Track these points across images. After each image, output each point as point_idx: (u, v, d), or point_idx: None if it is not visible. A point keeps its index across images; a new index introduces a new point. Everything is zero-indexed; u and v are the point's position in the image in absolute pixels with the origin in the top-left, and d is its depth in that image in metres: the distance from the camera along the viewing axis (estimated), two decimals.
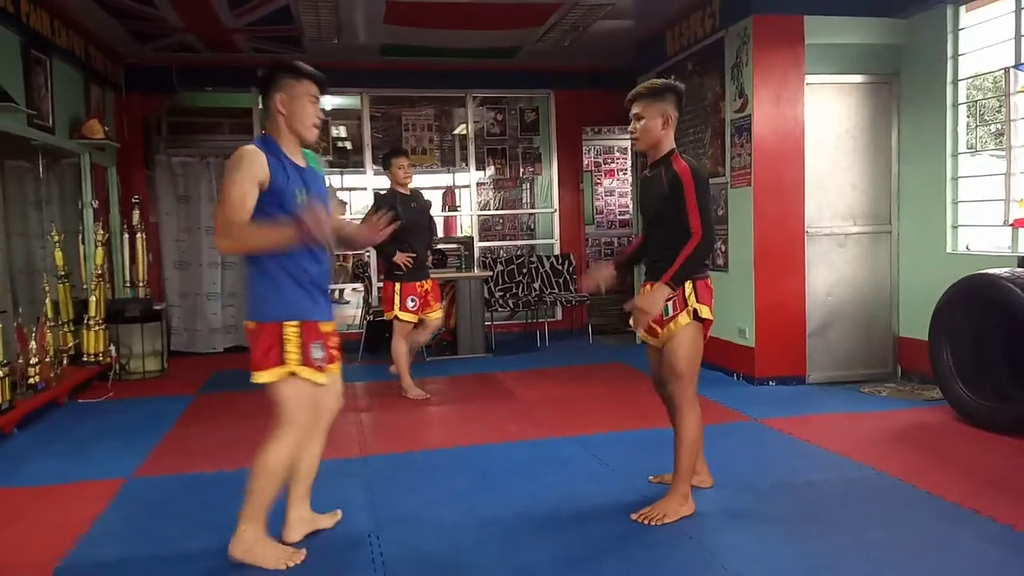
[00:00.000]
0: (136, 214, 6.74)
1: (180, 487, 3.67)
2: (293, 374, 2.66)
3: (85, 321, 5.96)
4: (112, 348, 6.13)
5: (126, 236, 6.80)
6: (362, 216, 5.81)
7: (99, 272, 6.13)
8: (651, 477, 3.52)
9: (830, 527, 3.00)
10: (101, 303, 6.07)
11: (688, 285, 3.04)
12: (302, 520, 2.95)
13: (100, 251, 6.20)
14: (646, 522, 3.00)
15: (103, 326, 6.07)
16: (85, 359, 5.95)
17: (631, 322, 3.35)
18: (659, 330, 3.11)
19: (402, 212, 5.02)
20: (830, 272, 5.62)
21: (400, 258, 5.25)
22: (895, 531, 2.94)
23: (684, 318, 3.04)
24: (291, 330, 2.66)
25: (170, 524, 3.18)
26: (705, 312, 3.06)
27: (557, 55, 7.58)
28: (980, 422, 4.26)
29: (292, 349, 2.65)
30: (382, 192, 5.67)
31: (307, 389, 2.71)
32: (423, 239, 5.51)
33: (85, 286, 6.11)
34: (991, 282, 4.21)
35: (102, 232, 6.30)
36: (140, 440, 4.41)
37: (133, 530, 3.15)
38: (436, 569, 2.75)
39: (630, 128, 3.17)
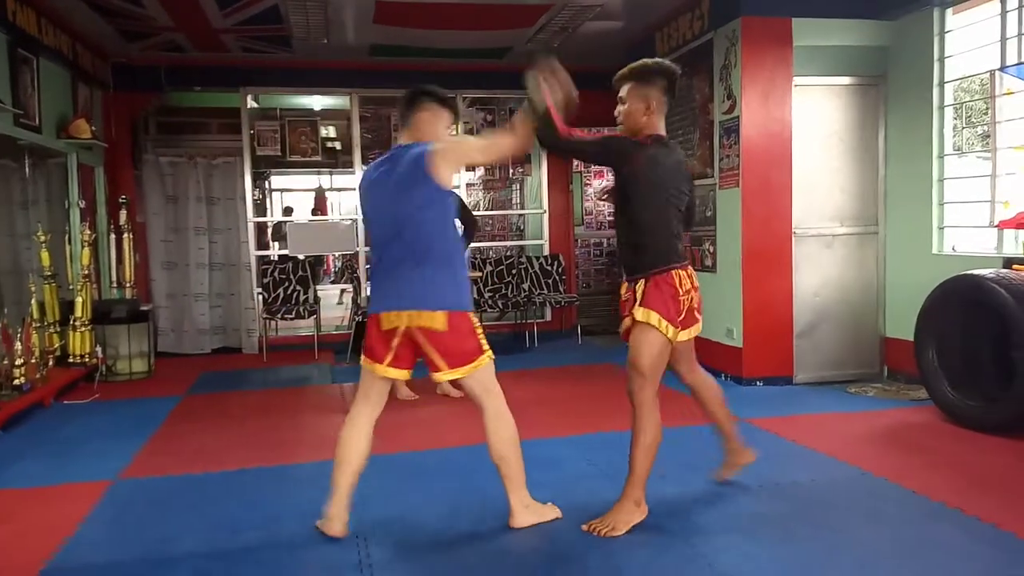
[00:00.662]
0: (123, 214, 6.70)
1: (167, 489, 3.65)
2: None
3: (71, 322, 5.92)
4: (98, 349, 6.09)
5: (113, 236, 6.76)
6: (352, 216, 5.73)
7: (86, 273, 6.09)
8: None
9: (817, 527, 3.01)
10: (87, 304, 6.03)
11: (640, 285, 2.96)
12: (339, 516, 2.96)
13: (87, 251, 6.15)
14: (596, 533, 2.91)
15: (89, 327, 6.03)
16: (71, 360, 5.91)
17: (620, 330, 3.29)
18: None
19: None
20: (817, 273, 5.64)
21: None
22: (881, 530, 2.96)
23: (629, 320, 2.98)
24: (477, 324, 2.92)
25: (157, 526, 3.16)
26: (653, 319, 2.90)
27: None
28: (966, 422, 4.30)
29: (484, 339, 2.92)
30: None
31: (492, 366, 2.95)
32: None
33: (71, 287, 6.07)
34: (977, 283, 4.25)
35: (89, 232, 6.25)
36: (126, 442, 4.39)
37: (120, 532, 3.14)
38: (424, 571, 2.75)
39: (616, 111, 3.13)
